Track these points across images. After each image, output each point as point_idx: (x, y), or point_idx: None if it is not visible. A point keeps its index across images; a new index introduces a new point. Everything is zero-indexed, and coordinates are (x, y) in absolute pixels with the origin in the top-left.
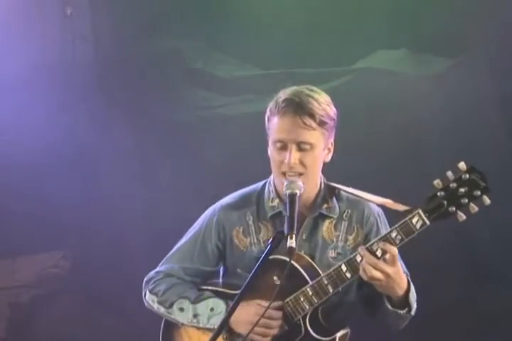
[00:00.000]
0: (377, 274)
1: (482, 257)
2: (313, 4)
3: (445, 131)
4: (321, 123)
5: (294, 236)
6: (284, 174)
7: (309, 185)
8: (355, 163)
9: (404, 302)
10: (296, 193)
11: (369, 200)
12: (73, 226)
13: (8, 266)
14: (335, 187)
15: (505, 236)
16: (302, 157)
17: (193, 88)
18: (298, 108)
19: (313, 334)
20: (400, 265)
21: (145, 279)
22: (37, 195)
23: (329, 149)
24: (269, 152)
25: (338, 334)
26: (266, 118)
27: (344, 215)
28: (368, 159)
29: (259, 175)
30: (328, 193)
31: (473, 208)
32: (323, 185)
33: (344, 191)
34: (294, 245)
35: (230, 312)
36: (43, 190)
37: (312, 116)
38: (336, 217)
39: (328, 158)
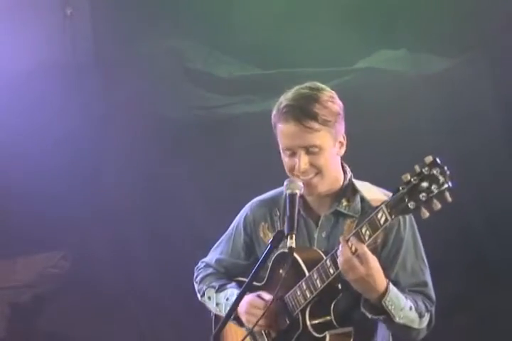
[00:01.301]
0: (348, 270)
1: (482, 256)
2: (314, 4)
3: (444, 130)
4: (325, 123)
5: (293, 236)
6: (298, 177)
7: (327, 182)
8: (354, 162)
9: (380, 307)
10: (296, 193)
11: (363, 195)
12: (73, 226)
13: (8, 266)
14: (359, 188)
15: (505, 236)
16: (312, 160)
17: (193, 88)
18: (298, 113)
19: (310, 330)
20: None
21: (195, 268)
22: (37, 195)
23: (341, 143)
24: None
25: (331, 332)
26: (272, 125)
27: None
28: (367, 159)
29: (259, 174)
30: (352, 191)
31: (436, 205)
32: (346, 182)
33: (364, 193)
34: (293, 245)
35: (234, 304)
36: (42, 190)
37: (314, 117)
38: (357, 216)
39: (342, 152)
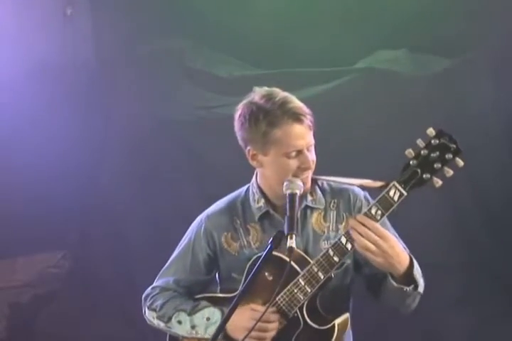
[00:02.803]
0: (371, 247)
1: (483, 257)
2: (314, 4)
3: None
4: (313, 120)
5: (294, 236)
6: (296, 175)
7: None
8: (353, 162)
9: (409, 278)
10: (296, 193)
11: (348, 183)
12: (73, 226)
13: (8, 266)
14: (317, 179)
15: (506, 236)
16: (310, 156)
17: (192, 88)
18: (299, 113)
19: (313, 325)
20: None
21: (143, 296)
22: (37, 194)
23: None
24: (256, 163)
25: (338, 321)
26: (259, 133)
27: (331, 205)
28: (367, 158)
29: None
30: (312, 185)
31: (448, 172)
32: None
33: (325, 180)
34: (294, 245)
35: (225, 319)
36: (42, 190)
37: (310, 115)
38: (322, 207)
39: None
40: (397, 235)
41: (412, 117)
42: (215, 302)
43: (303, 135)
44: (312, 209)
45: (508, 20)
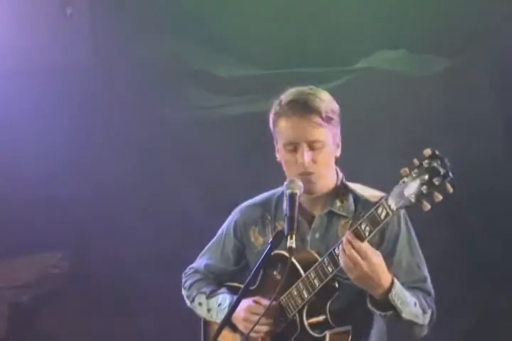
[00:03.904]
0: (351, 267)
1: (483, 258)
2: (313, 4)
3: (444, 130)
4: (328, 120)
5: (293, 236)
6: (299, 175)
7: (322, 183)
8: (354, 163)
9: (386, 302)
10: (296, 193)
11: (358, 193)
12: (73, 226)
13: (8, 265)
14: (352, 188)
15: (506, 237)
16: (314, 155)
17: (193, 88)
18: (304, 107)
19: (308, 331)
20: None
21: (182, 274)
22: (37, 194)
23: (337, 144)
24: (278, 156)
25: (330, 332)
26: (271, 123)
27: (361, 215)
28: (368, 159)
29: (259, 175)
30: (344, 192)
31: (437, 197)
32: (339, 183)
33: (359, 191)
34: (293, 245)
35: (231, 309)
36: (43, 190)
37: (319, 113)
38: (350, 216)
39: (338, 153)
40: (417, 252)
41: (412, 117)
42: (235, 292)
43: (297, 128)
44: (339, 216)
45: (508, 20)
